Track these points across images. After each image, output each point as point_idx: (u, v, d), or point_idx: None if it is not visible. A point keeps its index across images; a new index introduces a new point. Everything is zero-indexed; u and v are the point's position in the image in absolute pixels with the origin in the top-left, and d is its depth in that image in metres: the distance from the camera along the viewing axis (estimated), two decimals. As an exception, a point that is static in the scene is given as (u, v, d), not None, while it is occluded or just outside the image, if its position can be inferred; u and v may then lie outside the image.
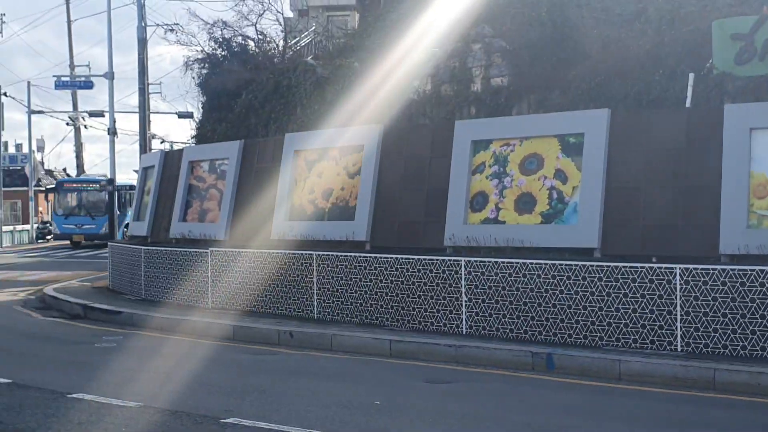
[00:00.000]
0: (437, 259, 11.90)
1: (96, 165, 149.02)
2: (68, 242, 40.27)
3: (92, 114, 41.53)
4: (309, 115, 16.68)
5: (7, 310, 16.86)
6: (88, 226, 38.54)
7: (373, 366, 10.55)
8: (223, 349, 11.99)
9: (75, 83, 31.13)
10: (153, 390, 8.90)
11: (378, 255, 12.64)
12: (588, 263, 10.58)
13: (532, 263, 10.99)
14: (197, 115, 23.50)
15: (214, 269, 15.02)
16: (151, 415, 7.73)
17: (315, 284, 13.34)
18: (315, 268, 13.33)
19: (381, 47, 16.43)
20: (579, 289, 10.56)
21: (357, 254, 12.94)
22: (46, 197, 42.56)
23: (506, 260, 11.24)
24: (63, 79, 30.94)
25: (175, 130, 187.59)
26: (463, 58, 14.88)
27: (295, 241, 14.35)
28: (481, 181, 12.34)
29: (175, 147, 51.33)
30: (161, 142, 55.15)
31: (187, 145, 23.33)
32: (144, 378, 9.67)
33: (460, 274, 11.58)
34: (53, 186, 42.18)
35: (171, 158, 18.93)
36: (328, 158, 14.49)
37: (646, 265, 10.17)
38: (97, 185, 39.43)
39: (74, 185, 40.97)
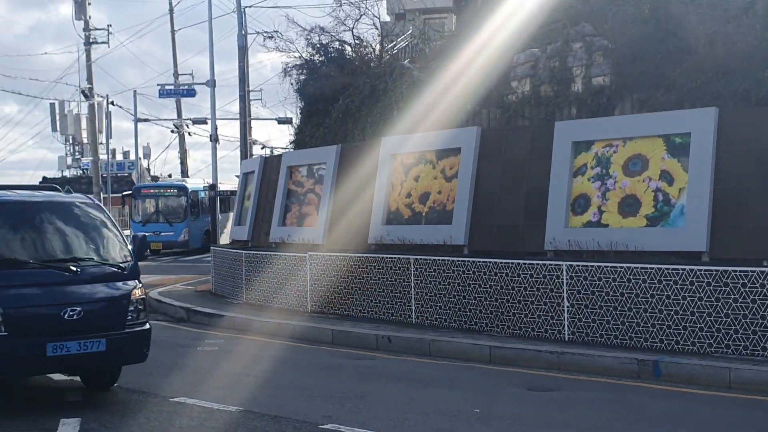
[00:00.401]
0: (538, 264, 11.65)
1: (200, 171, 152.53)
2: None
3: (196, 121, 42.48)
4: (406, 119, 16.59)
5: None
6: (166, 234, 36.58)
7: (472, 372, 10.39)
8: (323, 353, 12.01)
9: (178, 92, 31.89)
10: (253, 394, 8.95)
11: (476, 259, 12.46)
12: (696, 267, 10.18)
13: (637, 268, 10.64)
14: (295, 121, 23.72)
15: (313, 273, 15.09)
16: (251, 420, 7.76)
17: (413, 289, 13.25)
18: (413, 272, 13.24)
19: (477, 48, 16.24)
20: (686, 294, 10.17)
21: (455, 258, 12.79)
22: (123, 202, 40.58)
23: (610, 264, 10.92)
24: (167, 87, 31.73)
25: (275, 136, 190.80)
26: (563, 58, 14.55)
27: (392, 246, 14.30)
28: (582, 183, 12.04)
29: (275, 152, 52.14)
30: (262, 148, 55.99)
31: (287, 150, 23.58)
32: (244, 382, 9.75)
33: (562, 279, 11.31)
34: (129, 192, 39.90)
35: (270, 163, 19.15)
36: (425, 162, 14.39)
37: (757, 269, 9.72)
38: (175, 191, 38.21)
39: (152, 191, 39.46)
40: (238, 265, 17.65)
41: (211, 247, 21.18)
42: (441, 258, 12.95)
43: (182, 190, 37.73)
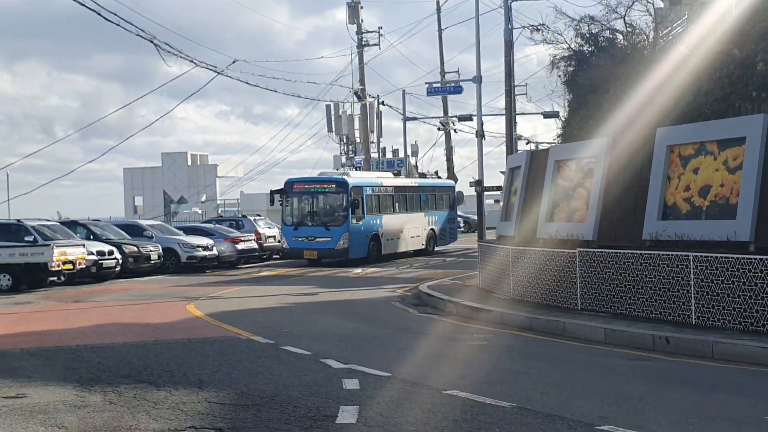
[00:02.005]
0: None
1: (465, 167, 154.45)
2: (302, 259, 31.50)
3: (461, 118, 43.05)
4: (682, 108, 15.74)
5: (387, 305, 17.85)
6: (321, 239, 30.15)
7: (760, 377, 9.62)
8: (595, 352, 11.63)
9: (445, 89, 32.32)
10: (525, 390, 8.81)
11: (764, 257, 11.52)
12: None
13: None
14: (563, 114, 23.30)
15: (583, 270, 14.68)
16: (524, 416, 7.63)
17: (692, 287, 12.49)
18: (692, 270, 12.48)
19: (762, 31, 15.05)
20: None
21: (740, 256, 11.90)
22: (271, 200, 32.25)
23: None
24: (434, 85, 32.32)
25: (540, 131, 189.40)
26: None
27: (668, 242, 13.59)
28: None
29: (540, 147, 51.61)
30: (527, 143, 55.74)
31: (552, 144, 23.21)
32: (515, 377, 9.63)
33: None
34: (279, 189, 32.31)
35: (537, 158, 18.90)
36: (705, 152, 13.53)
37: None
38: (333, 186, 31.18)
39: (307, 186, 31.80)
40: (505, 260, 17.56)
41: (478, 243, 21.28)
42: (724, 256, 12.10)
43: (342, 185, 30.84)
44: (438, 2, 51.51)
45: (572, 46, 20.80)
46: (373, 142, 48.91)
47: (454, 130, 50.78)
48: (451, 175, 53.74)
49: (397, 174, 39.81)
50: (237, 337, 13.13)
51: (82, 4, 20.42)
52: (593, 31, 20.29)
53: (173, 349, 12.15)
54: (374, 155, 48.97)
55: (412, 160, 52.97)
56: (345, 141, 56.03)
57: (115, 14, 22.43)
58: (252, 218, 35.97)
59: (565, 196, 16.80)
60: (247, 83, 32.66)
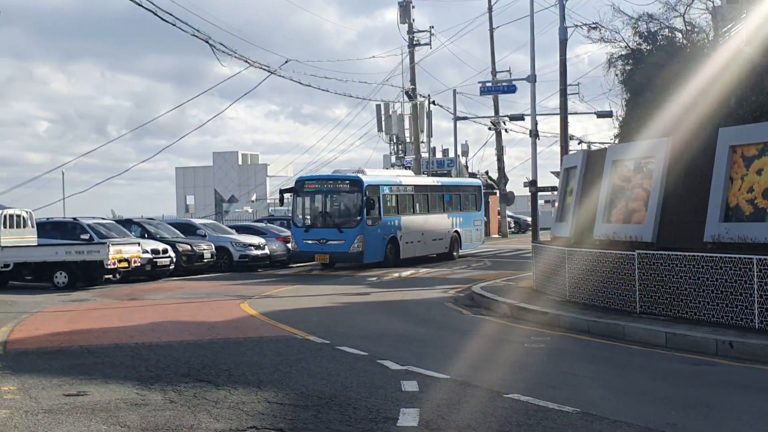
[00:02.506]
0: None
1: (514, 168, 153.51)
2: (315, 263, 29.56)
3: (513, 118, 42.76)
4: (745, 108, 15.39)
5: (440, 306, 17.74)
6: (333, 242, 27.96)
7: (831, 386, 9.34)
8: (656, 356, 11.40)
9: (499, 88, 32.09)
10: (588, 395, 8.65)
11: (833, 260, 11.20)
12: None
13: None
14: (619, 113, 22.95)
15: (642, 273, 14.42)
16: (589, 422, 7.48)
17: (756, 291, 12.19)
18: (755, 273, 12.18)
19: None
20: None
21: (807, 259, 11.59)
22: (281, 200, 32.04)
23: None
24: (488, 84, 32.14)
25: (591, 131, 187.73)
26: None
27: (730, 244, 13.28)
28: None
29: (593, 147, 51.06)
30: (578, 143, 55.31)
31: (606, 145, 22.93)
32: (576, 382, 9.48)
33: None
34: (290, 187, 30.78)
35: (593, 158, 18.64)
36: (770, 153, 13.20)
37: None
38: (347, 185, 28.84)
39: (319, 185, 29.55)
40: (561, 262, 17.33)
41: (532, 244, 21.07)
42: (790, 258, 11.79)
43: (356, 184, 28.50)
44: (489, 1, 51.27)
45: (630, 45, 20.46)
46: (423, 142, 48.87)
47: (505, 130, 50.49)
48: (502, 175, 53.43)
49: (446, 173, 39.47)
50: (292, 337, 13.13)
51: (139, 4, 20.63)
52: (652, 30, 19.93)
53: (230, 347, 12.18)
54: (424, 155, 48.92)
55: (463, 160, 52.82)
56: (395, 141, 56.10)
57: (170, 14, 22.62)
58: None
59: (623, 197, 16.54)
60: (300, 83, 32.88)
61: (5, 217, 24.88)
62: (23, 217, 25.65)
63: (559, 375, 9.93)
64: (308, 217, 29.13)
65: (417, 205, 31.68)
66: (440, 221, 32.57)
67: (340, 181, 29.23)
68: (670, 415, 7.71)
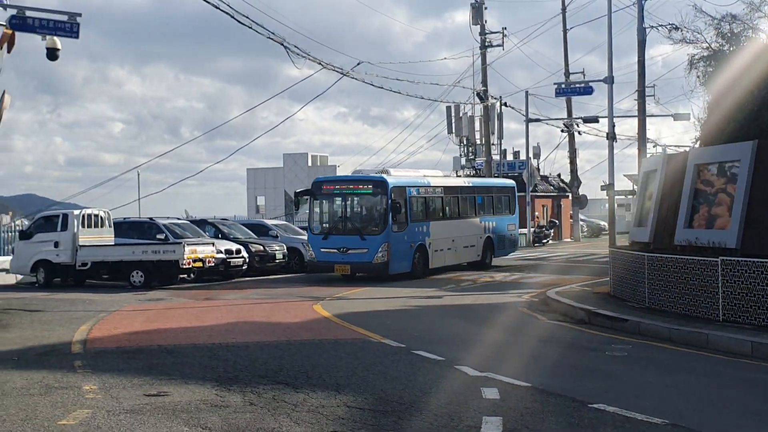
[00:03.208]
0: None
1: (586, 171, 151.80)
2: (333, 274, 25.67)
3: (586, 120, 42.07)
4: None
5: (514, 311, 17.49)
6: (355, 251, 24.89)
7: None
8: (742, 366, 11.02)
9: (575, 90, 31.60)
10: (676, 407, 8.38)
11: None
12: None
13: None
14: (700, 116, 22.39)
15: (725, 280, 13.99)
16: (681, 436, 7.23)
17: None
18: None
19: None
20: None
21: None
22: (296, 204, 29.40)
23: None
24: (563, 86, 31.71)
25: (665, 134, 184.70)
26: None
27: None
28: None
29: (668, 151, 50.06)
30: (653, 146, 54.26)
31: (682, 148, 22.40)
32: (662, 392, 9.18)
33: None
34: (306, 189, 27.30)
35: (674, 162, 18.18)
36: None
37: None
38: (370, 186, 25.70)
39: (339, 186, 26.63)
40: (640, 267, 16.93)
41: (610, 249, 20.66)
42: None
43: (380, 185, 25.34)
44: (564, 2, 50.68)
45: (712, 46, 19.93)
46: (493, 144, 48.51)
47: (578, 132, 49.80)
48: (574, 177, 52.73)
49: (517, 176, 38.38)
50: (368, 340, 13.06)
51: (216, 7, 20.82)
52: (735, 30, 19.39)
53: (306, 349, 12.17)
54: (495, 157, 48.53)
55: (534, 162, 52.25)
56: (465, 143, 55.79)
57: (246, 17, 22.80)
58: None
59: (706, 202, 16.10)
60: (372, 84, 32.70)
61: (83, 216, 25.41)
62: (101, 217, 26.17)
63: (643, 384, 9.65)
64: (327, 223, 26.37)
65: (447, 208, 28.87)
66: (472, 226, 29.85)
67: (363, 182, 26.24)
68: (762, 427, 7.41)
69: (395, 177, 26.59)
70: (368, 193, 25.77)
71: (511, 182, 35.23)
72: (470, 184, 31.84)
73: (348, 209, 26.41)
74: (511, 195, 33.57)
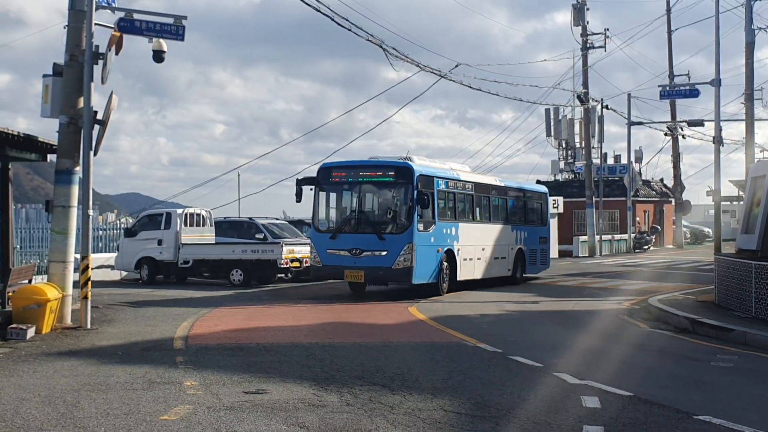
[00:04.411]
0: None
1: (689, 176, 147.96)
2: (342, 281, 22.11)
3: (691, 123, 40.98)
4: None
5: (614, 318, 17.10)
6: (371, 253, 20.29)
7: None
8: None
9: (681, 92, 30.71)
10: (787, 423, 8.02)
11: None
12: None
13: None
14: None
15: (841, 290, 13.38)
16: (792, 453, 6.92)
17: None
18: None
19: None
20: None
21: None
22: (297, 196, 21.11)
23: None
24: (668, 88, 30.92)
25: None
26: None
27: None
28: None
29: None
30: (761, 151, 52.42)
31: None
32: (772, 407, 8.83)
33: None
34: (309, 177, 21.88)
35: (785, 167, 17.51)
36: None
37: None
38: (391, 174, 20.82)
39: (352, 174, 21.37)
40: (746, 276, 16.35)
41: (715, 256, 20.02)
42: None
43: (404, 173, 20.54)
44: (668, 3, 49.50)
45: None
46: (594, 147, 47.65)
47: (683, 136, 48.54)
48: (678, 182, 51.43)
49: (618, 180, 37.49)
50: (463, 344, 12.95)
51: (317, 10, 21.06)
52: None
53: (401, 351, 12.15)
54: (596, 161, 47.68)
55: (636, 167, 51.14)
56: (564, 146, 55.04)
57: (346, 20, 22.98)
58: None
59: (819, 209, 15.44)
60: (470, 87, 32.55)
61: (186, 215, 26.03)
62: (203, 216, 26.78)
63: (751, 397, 9.28)
64: (335, 218, 21.66)
65: (477, 209, 24.01)
66: (504, 234, 25.32)
67: (383, 167, 21.09)
68: None
69: (421, 164, 21.40)
70: (389, 182, 20.84)
71: (543, 188, 30.79)
72: (502, 184, 26.54)
73: (363, 202, 21.26)
74: (543, 203, 29.07)
